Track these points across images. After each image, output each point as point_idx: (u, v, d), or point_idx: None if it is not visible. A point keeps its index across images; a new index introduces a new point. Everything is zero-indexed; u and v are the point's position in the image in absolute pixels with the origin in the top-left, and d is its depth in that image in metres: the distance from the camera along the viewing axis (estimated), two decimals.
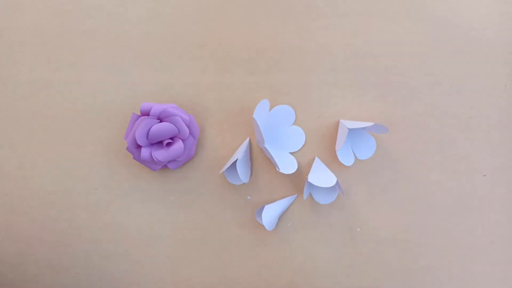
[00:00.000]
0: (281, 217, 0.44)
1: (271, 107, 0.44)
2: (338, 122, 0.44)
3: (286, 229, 0.44)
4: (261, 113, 0.40)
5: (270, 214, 0.41)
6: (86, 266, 0.45)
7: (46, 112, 0.45)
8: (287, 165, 0.42)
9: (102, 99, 0.44)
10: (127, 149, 0.41)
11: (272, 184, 0.44)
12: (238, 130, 0.44)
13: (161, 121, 0.41)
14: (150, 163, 0.42)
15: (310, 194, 0.43)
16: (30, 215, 0.45)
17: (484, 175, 0.44)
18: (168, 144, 0.41)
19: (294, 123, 0.44)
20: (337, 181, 0.39)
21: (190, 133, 0.42)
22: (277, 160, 0.40)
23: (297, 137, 0.44)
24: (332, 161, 0.44)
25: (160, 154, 0.41)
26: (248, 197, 0.44)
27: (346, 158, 0.43)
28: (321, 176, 0.40)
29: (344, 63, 0.44)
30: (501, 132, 0.44)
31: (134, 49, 0.44)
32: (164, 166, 0.43)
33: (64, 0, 0.45)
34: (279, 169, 0.40)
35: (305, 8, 0.44)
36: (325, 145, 0.44)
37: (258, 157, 0.44)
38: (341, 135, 0.42)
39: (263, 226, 0.41)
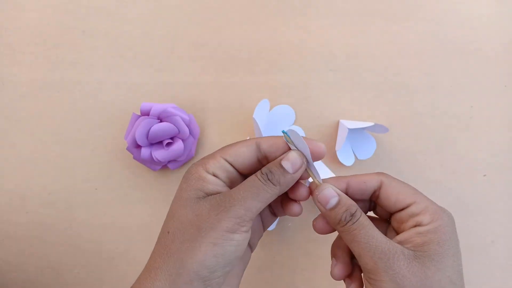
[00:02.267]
0: (281, 217, 0.44)
1: (271, 107, 0.44)
2: (338, 122, 0.44)
3: (286, 229, 0.44)
4: (261, 113, 0.40)
5: None
6: (86, 266, 0.45)
7: (46, 112, 0.45)
8: None
9: (102, 99, 0.44)
10: (127, 149, 0.41)
11: None
12: (238, 130, 0.44)
13: (161, 121, 0.41)
14: (150, 163, 0.42)
15: None
16: (30, 215, 0.45)
17: (484, 175, 0.44)
18: (168, 144, 0.41)
19: (294, 123, 0.44)
20: None
21: (190, 133, 0.42)
22: None
23: None
24: (332, 161, 0.44)
25: (160, 154, 0.41)
26: None
27: (346, 158, 0.43)
28: (321, 176, 0.40)
29: (344, 63, 0.44)
30: (501, 132, 0.44)
31: (134, 49, 0.44)
32: (164, 166, 0.43)
33: (64, 0, 0.45)
34: None
35: (305, 8, 0.44)
36: (325, 145, 0.44)
37: None
38: (341, 135, 0.42)
39: None
